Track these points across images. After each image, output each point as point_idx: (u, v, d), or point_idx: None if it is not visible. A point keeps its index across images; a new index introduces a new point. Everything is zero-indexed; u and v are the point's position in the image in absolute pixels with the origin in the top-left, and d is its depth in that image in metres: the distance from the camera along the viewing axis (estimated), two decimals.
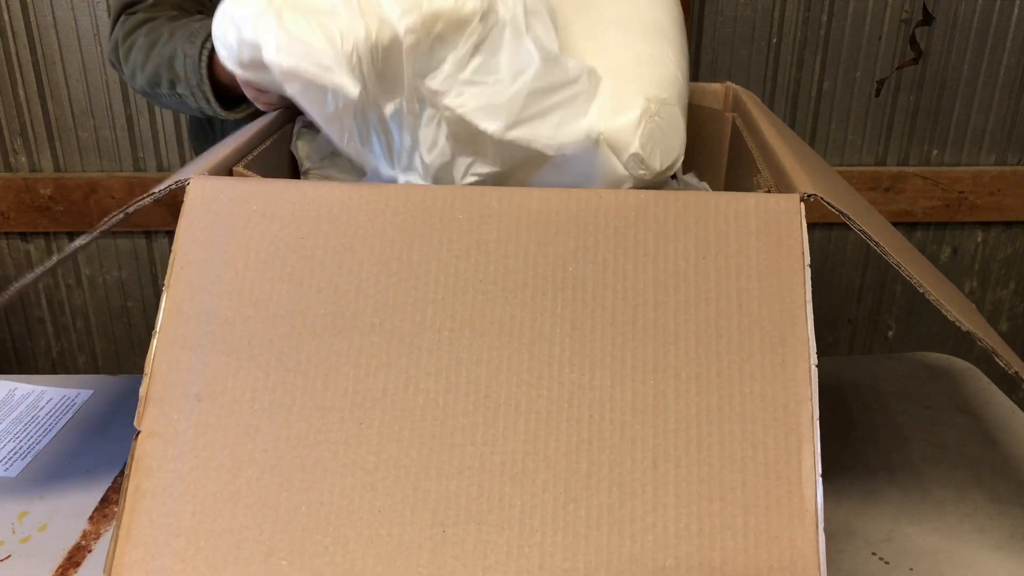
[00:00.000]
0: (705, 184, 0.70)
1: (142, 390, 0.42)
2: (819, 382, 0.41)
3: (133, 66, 0.77)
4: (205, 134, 0.91)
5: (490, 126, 0.52)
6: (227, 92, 0.72)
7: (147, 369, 0.42)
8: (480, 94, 0.52)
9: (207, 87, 0.71)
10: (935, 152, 1.35)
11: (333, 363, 0.42)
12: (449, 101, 0.52)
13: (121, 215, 0.47)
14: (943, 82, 1.30)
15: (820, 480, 0.39)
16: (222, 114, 0.73)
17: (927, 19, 1.22)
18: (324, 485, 0.39)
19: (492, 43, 0.52)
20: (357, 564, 0.38)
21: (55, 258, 0.50)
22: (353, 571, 0.38)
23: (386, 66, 0.51)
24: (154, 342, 0.42)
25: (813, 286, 0.43)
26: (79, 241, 0.48)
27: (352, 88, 0.49)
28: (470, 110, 0.52)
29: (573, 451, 0.40)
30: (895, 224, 1.35)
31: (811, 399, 0.40)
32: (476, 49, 0.52)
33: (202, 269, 0.44)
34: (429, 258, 0.44)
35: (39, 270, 0.49)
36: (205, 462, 0.40)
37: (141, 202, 0.46)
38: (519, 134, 0.52)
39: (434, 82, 0.52)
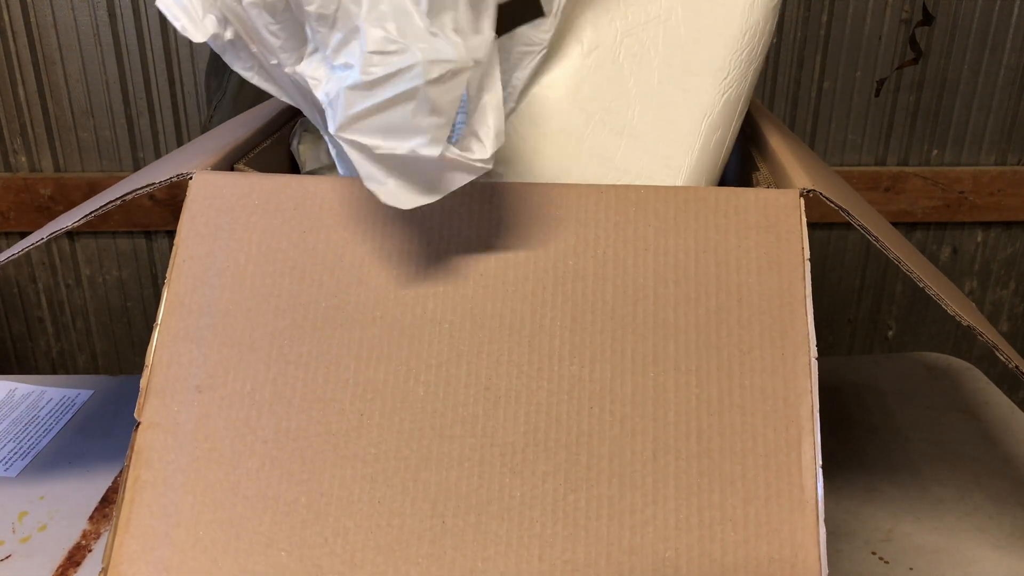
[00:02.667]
0: None
1: (143, 382, 0.42)
2: (819, 382, 0.41)
3: None
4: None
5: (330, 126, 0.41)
6: None
7: (148, 361, 0.42)
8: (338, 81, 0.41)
9: None
10: (935, 152, 1.35)
11: (334, 355, 0.42)
12: (318, 94, 0.43)
13: (119, 201, 0.47)
14: (943, 82, 1.31)
15: (820, 472, 0.39)
16: None
17: (927, 19, 1.22)
18: (324, 476, 0.40)
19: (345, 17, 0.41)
20: (357, 555, 0.38)
21: (45, 234, 0.50)
22: (352, 561, 0.38)
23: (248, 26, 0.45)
24: (155, 334, 0.43)
25: (813, 286, 0.43)
26: (70, 223, 0.48)
27: (196, 32, 0.44)
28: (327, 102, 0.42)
29: (573, 443, 0.40)
30: (895, 224, 1.36)
31: (811, 392, 0.40)
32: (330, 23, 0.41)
33: (204, 263, 0.44)
34: (430, 252, 0.44)
35: (30, 241, 0.50)
36: (205, 453, 0.40)
37: (140, 191, 0.46)
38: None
39: (306, 66, 0.44)
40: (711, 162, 0.52)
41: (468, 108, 0.42)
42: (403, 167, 0.41)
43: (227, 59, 0.48)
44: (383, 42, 0.38)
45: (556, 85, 0.50)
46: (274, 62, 0.46)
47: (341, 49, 0.41)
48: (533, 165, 0.50)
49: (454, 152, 0.40)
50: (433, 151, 0.39)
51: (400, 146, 0.39)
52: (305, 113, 0.52)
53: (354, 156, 0.41)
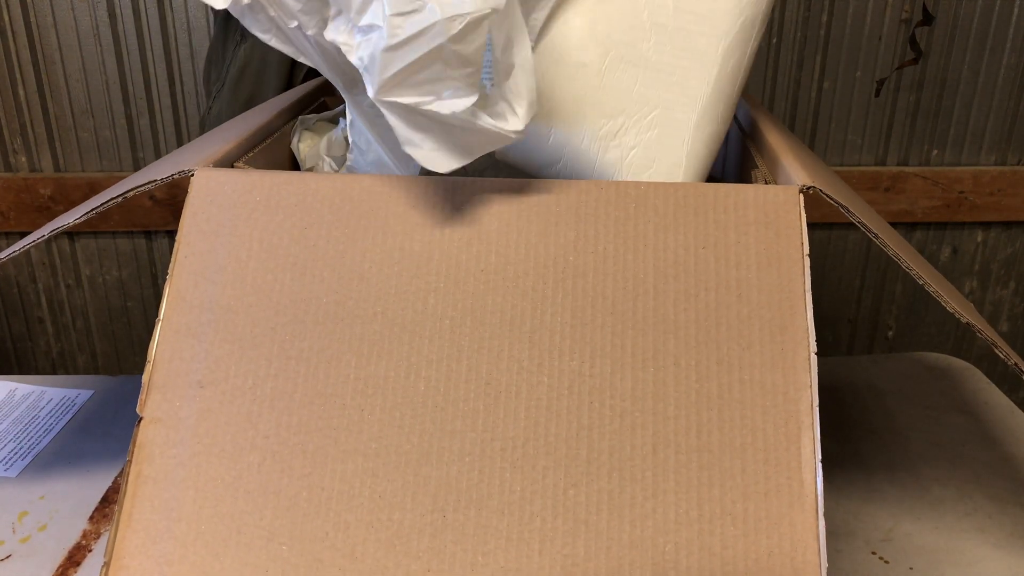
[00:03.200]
0: None
1: (145, 377, 0.42)
2: (818, 381, 0.41)
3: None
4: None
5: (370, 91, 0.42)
6: None
7: (149, 356, 0.42)
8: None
9: None
10: (935, 152, 1.36)
11: (335, 351, 0.42)
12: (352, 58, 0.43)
13: (119, 198, 0.47)
14: (943, 82, 1.31)
15: (820, 466, 0.39)
16: None
17: (927, 19, 1.23)
18: (325, 471, 0.40)
19: None
20: (357, 549, 0.38)
21: (47, 230, 0.50)
22: (353, 556, 0.38)
23: None
24: (157, 330, 0.43)
25: (813, 286, 0.43)
26: (71, 219, 0.48)
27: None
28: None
29: (573, 438, 0.40)
30: (895, 224, 1.36)
31: (810, 387, 0.40)
32: None
33: (205, 259, 0.44)
34: (431, 248, 0.44)
35: (30, 239, 0.50)
36: (207, 448, 0.40)
37: (141, 188, 0.47)
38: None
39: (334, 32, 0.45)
40: (728, 89, 0.51)
41: (497, 68, 0.42)
42: (440, 130, 0.42)
43: (245, 23, 0.48)
44: (402, 2, 0.39)
45: (573, 21, 0.50)
46: (294, 25, 0.46)
47: (364, 10, 0.42)
48: (554, 101, 0.50)
49: (487, 122, 0.41)
50: (468, 99, 0.40)
51: (436, 102, 0.40)
52: (324, 74, 0.52)
53: (393, 120, 0.41)
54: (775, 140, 0.55)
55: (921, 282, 0.45)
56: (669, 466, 0.39)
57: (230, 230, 0.45)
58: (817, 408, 0.40)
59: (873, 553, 0.53)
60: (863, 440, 0.65)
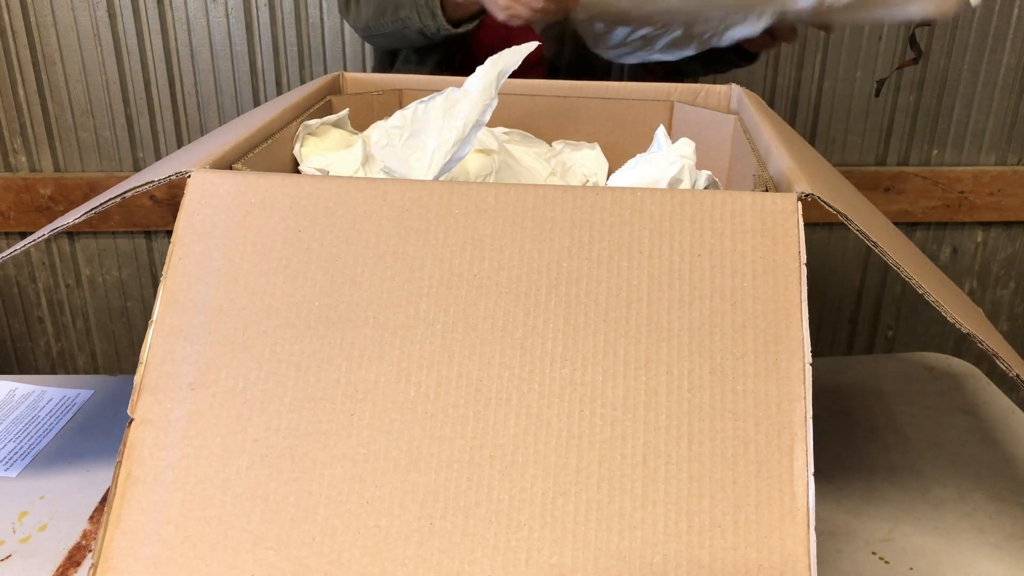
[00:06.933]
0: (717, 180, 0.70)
1: (136, 378, 0.42)
2: (819, 382, 0.40)
3: (361, 3, 0.91)
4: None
5: None
6: (451, 10, 0.84)
7: (142, 357, 0.42)
8: None
9: (435, 2, 0.83)
10: (935, 152, 1.35)
11: (326, 355, 0.42)
12: None
13: (118, 198, 0.47)
14: (943, 82, 1.30)
15: (812, 479, 0.38)
16: (446, 27, 0.84)
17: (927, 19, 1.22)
18: (313, 475, 0.39)
19: None
20: (344, 555, 0.38)
21: (46, 230, 0.50)
22: (339, 561, 0.38)
23: None
24: (150, 331, 0.43)
25: (813, 286, 0.42)
26: (70, 218, 0.48)
27: None
28: None
29: (563, 446, 0.40)
30: (895, 224, 1.35)
31: (804, 398, 0.40)
32: None
33: (199, 260, 0.44)
34: (424, 252, 0.44)
35: (30, 240, 0.50)
36: (196, 450, 0.40)
37: (139, 189, 0.46)
38: None
39: None
40: None
41: None
42: None
43: None
44: None
45: None
46: None
47: None
48: None
49: None
50: None
51: None
52: None
53: None
54: (777, 143, 0.55)
55: (921, 291, 0.44)
56: (659, 476, 0.39)
57: (224, 232, 0.45)
58: (811, 420, 0.40)
59: (873, 553, 0.53)
60: (864, 440, 0.65)
